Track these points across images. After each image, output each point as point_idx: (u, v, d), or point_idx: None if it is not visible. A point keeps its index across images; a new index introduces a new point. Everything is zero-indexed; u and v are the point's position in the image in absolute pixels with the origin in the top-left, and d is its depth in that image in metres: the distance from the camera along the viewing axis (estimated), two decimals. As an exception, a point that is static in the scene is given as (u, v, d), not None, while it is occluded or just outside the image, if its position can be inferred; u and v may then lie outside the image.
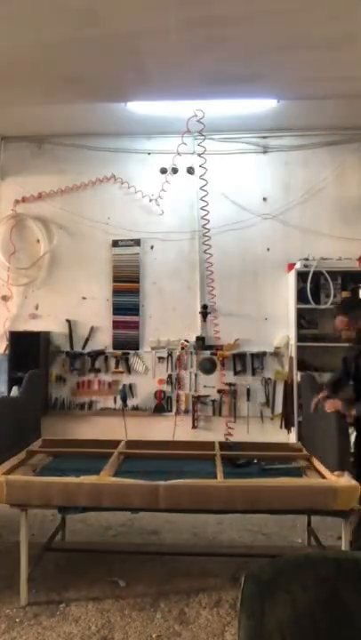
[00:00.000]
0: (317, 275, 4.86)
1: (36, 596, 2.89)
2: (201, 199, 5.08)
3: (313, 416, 3.30)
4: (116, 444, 3.52)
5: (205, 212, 5.06)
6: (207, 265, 5.13)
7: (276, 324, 5.13)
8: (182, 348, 5.15)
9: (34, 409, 3.72)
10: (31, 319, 5.32)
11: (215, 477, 2.84)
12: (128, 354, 5.24)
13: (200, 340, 5.15)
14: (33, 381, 3.67)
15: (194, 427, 5.09)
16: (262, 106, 4.57)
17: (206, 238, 5.09)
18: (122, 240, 5.29)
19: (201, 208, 5.09)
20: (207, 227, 5.10)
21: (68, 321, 5.28)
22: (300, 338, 4.89)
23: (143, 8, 2.94)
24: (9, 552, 3.22)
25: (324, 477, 2.90)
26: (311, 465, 3.21)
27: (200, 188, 5.11)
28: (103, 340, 5.29)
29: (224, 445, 3.55)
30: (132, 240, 5.28)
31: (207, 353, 5.16)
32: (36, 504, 2.79)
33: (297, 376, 4.84)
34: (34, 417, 3.71)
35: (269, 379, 5.14)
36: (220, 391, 5.15)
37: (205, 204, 5.06)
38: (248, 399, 5.10)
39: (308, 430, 3.40)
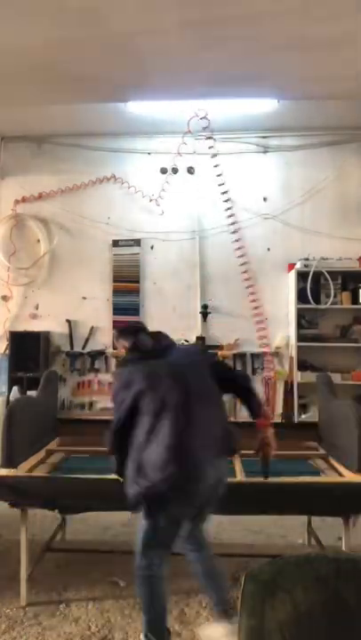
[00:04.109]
0: (317, 275, 4.86)
1: (36, 596, 2.88)
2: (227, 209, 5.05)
3: (331, 415, 3.27)
4: None
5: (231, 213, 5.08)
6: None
7: (276, 324, 5.13)
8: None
9: (51, 408, 3.75)
10: (31, 319, 5.32)
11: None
12: (128, 354, 5.23)
13: (200, 339, 5.15)
14: (50, 381, 3.70)
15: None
16: (263, 106, 4.57)
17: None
18: (122, 240, 5.29)
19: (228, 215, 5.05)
20: (207, 227, 5.11)
21: (68, 321, 5.28)
22: (300, 338, 4.89)
23: (143, 8, 2.94)
24: (9, 552, 3.22)
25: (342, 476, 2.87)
26: (328, 464, 3.18)
27: (220, 186, 5.09)
28: (103, 340, 5.29)
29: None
30: (132, 240, 5.28)
31: (207, 353, 5.16)
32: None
33: (297, 376, 4.85)
34: (51, 416, 3.73)
35: (270, 379, 5.13)
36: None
37: (229, 205, 5.07)
38: (248, 399, 5.10)
39: (325, 431, 3.38)
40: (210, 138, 4.88)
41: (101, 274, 5.31)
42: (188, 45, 3.36)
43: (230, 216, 5.11)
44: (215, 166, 5.05)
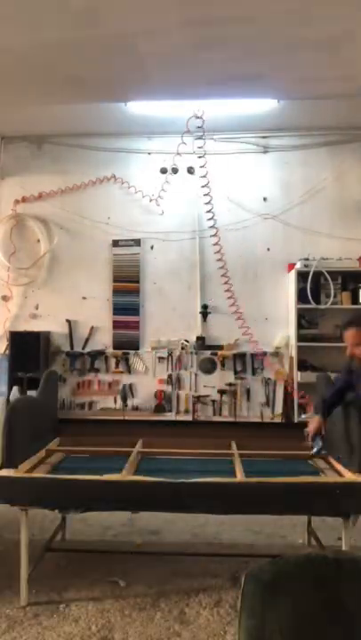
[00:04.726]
0: (317, 275, 4.86)
1: (36, 596, 2.88)
2: (207, 203, 5.08)
3: (331, 415, 3.26)
4: (132, 442, 3.51)
5: (211, 215, 5.08)
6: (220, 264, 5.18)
7: (276, 324, 5.13)
8: (182, 348, 5.15)
9: (51, 408, 3.74)
10: (31, 319, 5.32)
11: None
12: (128, 354, 5.24)
13: (200, 339, 5.15)
14: (50, 381, 3.69)
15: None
16: (262, 106, 4.57)
17: (213, 238, 5.13)
18: (122, 240, 5.29)
19: (208, 211, 5.10)
20: (207, 227, 5.11)
21: (68, 321, 5.28)
22: (300, 338, 4.89)
23: (143, 8, 2.94)
24: (9, 552, 3.22)
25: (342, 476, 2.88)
26: (328, 464, 3.18)
27: (203, 187, 5.10)
28: (103, 340, 5.29)
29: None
30: (132, 240, 5.28)
31: (207, 353, 5.17)
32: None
33: (297, 376, 4.85)
34: (51, 416, 3.73)
35: (269, 379, 5.14)
36: (220, 391, 5.15)
37: (210, 206, 5.08)
38: (248, 399, 5.10)
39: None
40: (199, 138, 4.89)
41: (101, 274, 5.31)
42: (188, 45, 3.36)
43: (210, 219, 5.11)
44: (201, 167, 5.08)
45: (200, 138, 4.91)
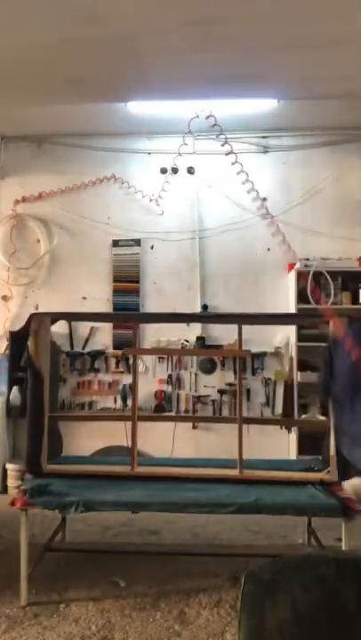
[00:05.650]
0: (318, 275, 4.86)
1: (36, 596, 2.89)
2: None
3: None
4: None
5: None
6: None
7: (276, 324, 5.12)
8: (182, 349, 5.15)
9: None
10: (31, 319, 5.31)
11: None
12: (128, 354, 5.23)
13: (200, 339, 5.15)
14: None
15: (194, 427, 5.08)
16: (262, 106, 4.57)
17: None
18: (122, 240, 5.30)
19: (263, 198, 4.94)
20: (207, 227, 5.11)
21: (69, 321, 5.28)
22: (300, 338, 4.89)
23: (143, 8, 2.94)
24: (9, 552, 3.22)
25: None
26: None
27: (243, 183, 5.00)
28: (103, 340, 5.29)
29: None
30: (132, 240, 5.28)
31: (207, 353, 5.17)
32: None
33: (297, 376, 4.85)
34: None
35: (269, 379, 5.13)
36: (220, 391, 5.15)
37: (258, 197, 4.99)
38: (248, 399, 5.10)
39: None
40: (221, 134, 4.77)
41: (101, 274, 5.31)
42: (188, 45, 3.36)
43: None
44: (233, 163, 4.90)
45: (221, 134, 4.74)
